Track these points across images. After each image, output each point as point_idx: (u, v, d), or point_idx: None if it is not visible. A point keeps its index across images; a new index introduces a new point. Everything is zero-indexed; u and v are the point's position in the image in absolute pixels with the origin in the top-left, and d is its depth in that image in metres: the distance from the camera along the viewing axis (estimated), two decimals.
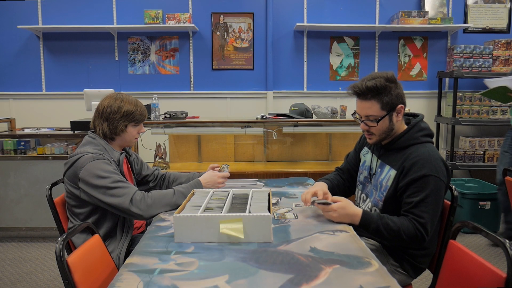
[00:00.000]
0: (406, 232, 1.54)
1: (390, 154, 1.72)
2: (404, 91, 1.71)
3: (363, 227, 1.57)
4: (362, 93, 1.66)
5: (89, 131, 1.90)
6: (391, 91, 1.63)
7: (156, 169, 2.17)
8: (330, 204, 1.58)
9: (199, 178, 1.92)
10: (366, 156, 1.87)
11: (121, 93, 1.91)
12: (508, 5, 4.33)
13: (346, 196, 1.94)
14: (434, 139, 1.83)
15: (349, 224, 1.58)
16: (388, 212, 1.65)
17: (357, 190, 1.91)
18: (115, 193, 1.68)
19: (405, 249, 1.67)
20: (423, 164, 1.57)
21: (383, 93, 1.63)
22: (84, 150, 1.77)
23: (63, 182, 1.84)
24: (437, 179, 1.56)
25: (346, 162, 2.03)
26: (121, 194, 1.68)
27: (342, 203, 1.58)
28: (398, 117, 1.67)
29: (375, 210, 1.72)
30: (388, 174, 1.68)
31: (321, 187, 1.75)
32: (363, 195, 1.85)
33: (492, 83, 3.01)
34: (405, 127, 1.73)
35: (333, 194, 1.85)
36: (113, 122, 1.84)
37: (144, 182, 2.12)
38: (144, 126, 3.70)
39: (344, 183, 2.00)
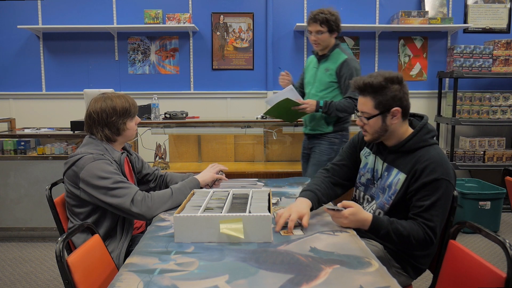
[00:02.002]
0: (415, 236, 1.52)
1: (398, 157, 1.68)
2: None
3: (373, 232, 1.56)
4: (360, 88, 1.64)
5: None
6: (386, 91, 1.59)
7: (157, 169, 2.17)
8: (340, 210, 1.53)
9: (195, 176, 1.96)
10: (368, 158, 1.82)
11: (106, 93, 1.88)
12: (508, 5, 4.33)
13: (339, 196, 1.90)
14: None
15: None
16: (394, 214, 1.63)
17: (358, 191, 1.87)
18: (116, 193, 1.68)
19: (407, 251, 1.66)
20: (435, 167, 1.55)
21: (378, 92, 1.60)
22: (85, 150, 1.77)
23: (63, 182, 1.84)
24: (447, 182, 1.55)
25: (343, 157, 1.93)
26: (122, 195, 1.68)
27: (353, 209, 1.52)
28: (393, 120, 1.63)
29: (380, 212, 1.69)
30: (396, 178, 1.65)
31: (298, 210, 1.56)
32: (367, 196, 1.80)
33: (273, 100, 2.74)
34: (409, 128, 1.69)
35: (319, 205, 1.75)
36: (113, 125, 1.82)
37: (144, 181, 2.12)
38: (144, 126, 3.74)
39: (333, 185, 1.87)
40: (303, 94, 2.97)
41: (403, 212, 1.62)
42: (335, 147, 2.84)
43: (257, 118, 3.62)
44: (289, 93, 2.71)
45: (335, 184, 1.88)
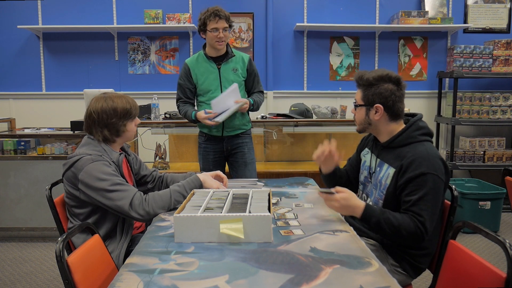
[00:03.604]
0: (406, 228, 1.55)
1: (388, 152, 1.73)
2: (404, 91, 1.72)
3: (364, 221, 1.59)
4: (356, 80, 1.77)
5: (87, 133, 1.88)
6: (374, 87, 1.68)
7: (154, 170, 2.16)
8: (333, 193, 1.58)
9: (199, 175, 1.92)
10: (366, 156, 1.89)
11: (106, 93, 1.87)
12: (508, 5, 4.33)
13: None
14: (434, 139, 1.76)
15: (351, 218, 1.61)
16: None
17: (358, 190, 1.92)
18: (114, 196, 1.68)
19: (405, 249, 1.67)
20: (421, 162, 1.58)
21: (367, 86, 1.71)
22: (83, 151, 1.76)
23: (62, 182, 1.84)
24: (435, 177, 1.56)
25: (348, 165, 2.05)
26: (120, 198, 1.68)
27: (346, 194, 1.58)
28: (376, 115, 1.70)
29: None
30: (386, 172, 1.69)
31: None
32: (364, 195, 1.86)
33: (221, 103, 2.63)
34: (403, 126, 1.73)
35: (339, 176, 1.96)
36: (113, 126, 1.81)
37: (142, 182, 2.11)
38: (144, 126, 3.74)
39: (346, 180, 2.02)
40: (195, 105, 2.88)
41: (396, 208, 1.65)
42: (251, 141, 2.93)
43: (257, 118, 3.63)
44: (234, 93, 2.65)
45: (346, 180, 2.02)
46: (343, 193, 1.58)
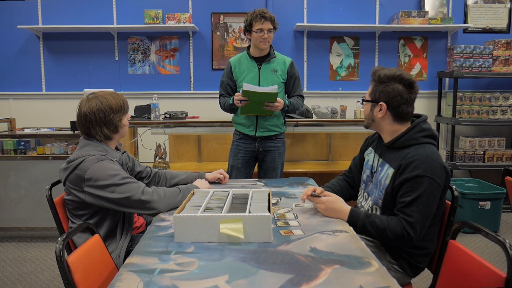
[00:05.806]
0: (392, 230, 1.56)
1: (391, 153, 1.73)
2: None
3: (351, 224, 1.60)
4: (370, 75, 1.77)
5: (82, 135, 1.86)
6: (381, 85, 1.69)
7: (147, 167, 2.16)
8: (320, 197, 1.69)
9: (195, 183, 1.99)
10: (369, 156, 1.89)
11: (94, 93, 1.87)
12: (508, 5, 4.33)
13: (353, 199, 1.99)
14: None
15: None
16: (388, 210, 1.66)
17: (360, 189, 1.93)
18: (125, 188, 1.67)
19: (403, 247, 1.68)
20: (419, 164, 1.57)
21: (377, 83, 1.71)
22: (85, 152, 1.74)
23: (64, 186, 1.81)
24: (431, 180, 1.56)
25: (353, 164, 2.05)
26: (132, 189, 1.68)
27: (331, 198, 1.67)
28: (379, 113, 1.70)
29: (376, 208, 1.73)
30: (386, 172, 1.70)
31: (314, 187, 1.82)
32: (365, 193, 1.86)
33: (256, 88, 2.69)
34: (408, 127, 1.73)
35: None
36: (112, 123, 1.81)
37: (138, 179, 2.09)
38: (144, 126, 3.74)
39: (349, 186, 2.03)
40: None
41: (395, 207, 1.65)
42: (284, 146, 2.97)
43: None
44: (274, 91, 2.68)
45: (352, 186, 2.03)
46: (329, 197, 1.67)
